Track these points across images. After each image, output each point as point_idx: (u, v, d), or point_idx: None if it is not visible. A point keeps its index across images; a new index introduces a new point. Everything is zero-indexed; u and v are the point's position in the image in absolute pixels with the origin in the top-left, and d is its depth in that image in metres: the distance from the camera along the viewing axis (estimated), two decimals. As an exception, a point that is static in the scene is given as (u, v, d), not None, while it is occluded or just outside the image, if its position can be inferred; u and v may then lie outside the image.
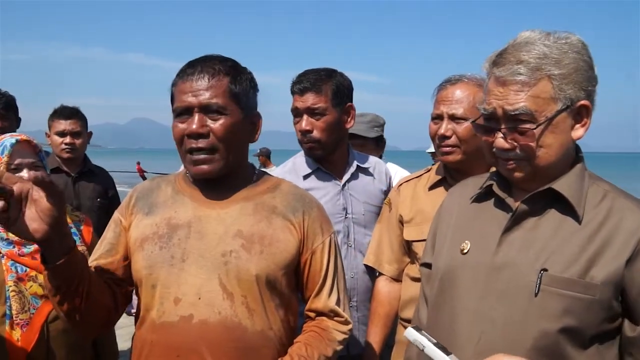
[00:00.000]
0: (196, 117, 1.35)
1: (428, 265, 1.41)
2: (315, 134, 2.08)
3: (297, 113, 2.12)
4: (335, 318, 1.48)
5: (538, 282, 1.13)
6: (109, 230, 1.49)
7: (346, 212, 2.11)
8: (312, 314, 1.50)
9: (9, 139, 1.86)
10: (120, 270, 1.45)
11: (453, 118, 1.77)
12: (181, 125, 1.38)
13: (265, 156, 9.09)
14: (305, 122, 2.07)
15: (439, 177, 1.89)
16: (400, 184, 2.01)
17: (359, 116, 3.23)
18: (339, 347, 1.46)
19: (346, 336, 1.48)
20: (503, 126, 1.17)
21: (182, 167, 1.59)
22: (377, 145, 3.20)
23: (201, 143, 1.36)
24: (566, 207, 1.17)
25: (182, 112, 1.38)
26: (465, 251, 1.26)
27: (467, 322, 1.19)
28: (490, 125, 1.19)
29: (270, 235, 1.40)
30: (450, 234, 1.34)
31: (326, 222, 1.52)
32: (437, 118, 1.82)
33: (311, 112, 2.08)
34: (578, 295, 1.11)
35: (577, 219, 1.16)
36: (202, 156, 1.37)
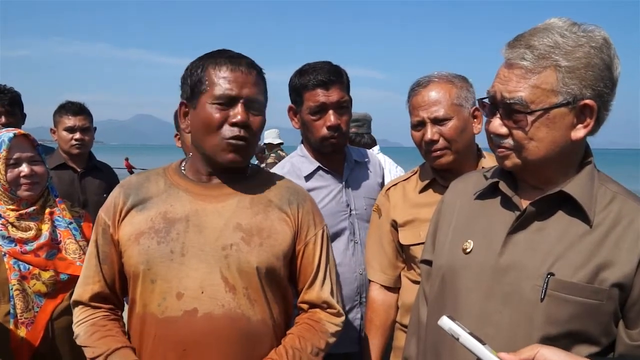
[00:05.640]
0: (241, 107, 1.39)
1: (428, 262, 1.37)
2: (343, 129, 1.99)
3: (321, 108, 1.96)
4: (328, 310, 1.49)
5: (544, 286, 1.09)
6: (98, 235, 1.48)
7: (350, 209, 2.07)
8: (305, 306, 1.52)
9: (6, 133, 1.86)
10: (117, 274, 1.48)
11: (436, 121, 1.70)
12: (223, 112, 1.39)
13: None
14: (334, 117, 1.95)
15: (428, 180, 1.81)
16: (388, 189, 1.91)
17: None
18: (332, 339, 1.47)
19: (339, 328, 1.49)
20: (500, 111, 1.13)
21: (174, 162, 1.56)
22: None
23: (244, 133, 1.39)
24: (575, 209, 1.13)
25: (226, 100, 1.38)
26: (468, 250, 1.21)
27: (470, 323, 1.15)
28: (492, 108, 1.16)
29: (268, 227, 1.43)
30: (451, 231, 1.29)
31: (318, 215, 1.56)
32: (419, 125, 1.73)
33: (339, 106, 1.97)
34: (585, 301, 1.07)
35: (588, 222, 1.11)
36: (242, 143, 1.40)
